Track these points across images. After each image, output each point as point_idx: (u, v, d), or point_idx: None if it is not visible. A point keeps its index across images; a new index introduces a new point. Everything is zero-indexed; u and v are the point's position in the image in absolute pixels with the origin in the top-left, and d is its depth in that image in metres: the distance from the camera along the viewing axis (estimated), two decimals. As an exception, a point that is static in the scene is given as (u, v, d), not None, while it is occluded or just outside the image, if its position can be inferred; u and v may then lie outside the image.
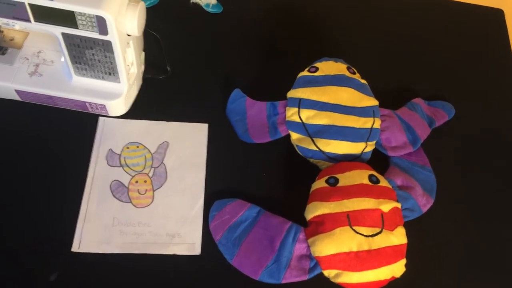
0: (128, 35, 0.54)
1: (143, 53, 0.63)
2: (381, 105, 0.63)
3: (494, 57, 0.76)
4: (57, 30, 0.51)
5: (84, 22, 0.50)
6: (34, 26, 0.51)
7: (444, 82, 0.72)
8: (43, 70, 0.59)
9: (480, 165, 0.65)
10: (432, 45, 0.76)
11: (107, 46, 0.52)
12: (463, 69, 0.74)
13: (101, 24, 0.49)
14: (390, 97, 0.67)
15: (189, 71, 0.67)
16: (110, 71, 0.56)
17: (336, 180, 0.55)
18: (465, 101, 0.70)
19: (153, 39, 0.67)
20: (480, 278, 0.56)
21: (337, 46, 0.73)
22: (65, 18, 0.49)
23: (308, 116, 0.60)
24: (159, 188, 0.57)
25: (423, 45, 0.76)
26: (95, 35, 0.51)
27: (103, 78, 0.57)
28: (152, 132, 0.61)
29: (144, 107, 0.63)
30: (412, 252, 0.53)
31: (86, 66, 0.56)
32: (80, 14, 0.49)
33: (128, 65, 0.57)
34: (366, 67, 0.66)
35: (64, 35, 0.52)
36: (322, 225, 0.52)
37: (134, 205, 0.56)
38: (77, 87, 0.58)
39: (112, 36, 0.51)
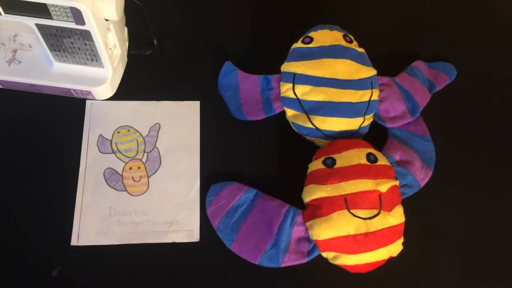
0: (107, 20, 0.50)
1: (126, 29, 0.60)
2: (380, 71, 0.60)
3: (497, 13, 0.71)
4: (31, 21, 0.48)
5: (58, 13, 0.46)
6: (6, 18, 0.47)
7: (444, 42, 0.68)
8: (21, 56, 0.56)
9: (481, 132, 0.63)
10: (430, 3, 0.71)
11: (85, 35, 0.49)
12: (464, 27, 0.70)
13: (76, 15, 0.46)
14: (389, 62, 0.64)
15: (177, 44, 0.64)
16: (92, 58, 0.53)
17: (333, 161, 0.54)
18: (467, 61, 0.66)
19: (136, 8, 0.62)
20: (478, 252, 0.56)
21: (331, 10, 0.68)
22: (37, 9, 0.46)
23: (304, 92, 0.57)
24: (153, 174, 0.56)
25: (421, 4, 0.71)
26: (72, 25, 0.47)
27: (85, 64, 0.54)
28: (142, 113, 0.59)
29: (131, 86, 0.60)
30: (409, 228, 0.53)
31: (66, 53, 0.53)
32: (53, 5, 0.45)
33: (110, 49, 0.54)
34: (364, 31, 0.62)
35: (39, 25, 0.48)
36: (319, 209, 0.52)
37: (129, 193, 0.55)
38: (59, 74, 0.55)
39: (90, 25, 0.47)
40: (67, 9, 0.45)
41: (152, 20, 0.63)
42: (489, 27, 0.70)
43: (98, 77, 0.55)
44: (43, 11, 0.46)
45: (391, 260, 0.52)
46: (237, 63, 0.61)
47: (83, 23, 0.47)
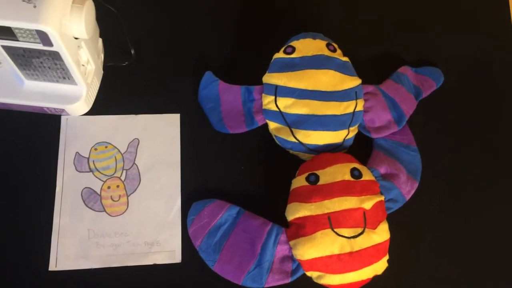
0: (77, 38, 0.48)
1: (100, 40, 0.57)
2: (366, 79, 0.58)
3: (490, 17, 0.69)
4: (-5, 43, 0.45)
5: (24, 35, 0.43)
6: (-32, 40, 0.45)
7: (432, 47, 0.66)
8: (-9, 74, 0.53)
9: (469, 140, 0.61)
10: (418, 6, 0.69)
11: (54, 55, 0.46)
12: (454, 32, 0.68)
13: (43, 37, 0.43)
14: (375, 68, 0.62)
15: (155, 54, 0.61)
16: (63, 76, 0.50)
17: (317, 178, 0.53)
18: (456, 66, 0.65)
19: (111, 14, 0.59)
20: (464, 265, 0.56)
21: (314, 17, 0.66)
22: (1, 31, 0.43)
23: (286, 105, 0.55)
24: (133, 192, 0.55)
25: (406, 8, 0.68)
26: (39, 46, 0.45)
27: (57, 82, 0.52)
28: (120, 128, 0.57)
29: (108, 100, 0.58)
30: (394, 241, 0.52)
31: (37, 72, 0.50)
32: (17, 28, 0.42)
33: (83, 65, 0.51)
34: (348, 37, 0.60)
35: (5, 47, 0.46)
36: (303, 228, 0.51)
37: (108, 214, 0.54)
38: (31, 92, 0.53)
39: (58, 46, 0.45)
40: (33, 31, 0.43)
41: (128, 28, 0.60)
42: (476, 29, 0.68)
43: (72, 94, 0.53)
44: (7, 33, 0.43)
45: (376, 277, 0.52)
46: (218, 74, 0.59)
47: (50, 44, 0.44)
